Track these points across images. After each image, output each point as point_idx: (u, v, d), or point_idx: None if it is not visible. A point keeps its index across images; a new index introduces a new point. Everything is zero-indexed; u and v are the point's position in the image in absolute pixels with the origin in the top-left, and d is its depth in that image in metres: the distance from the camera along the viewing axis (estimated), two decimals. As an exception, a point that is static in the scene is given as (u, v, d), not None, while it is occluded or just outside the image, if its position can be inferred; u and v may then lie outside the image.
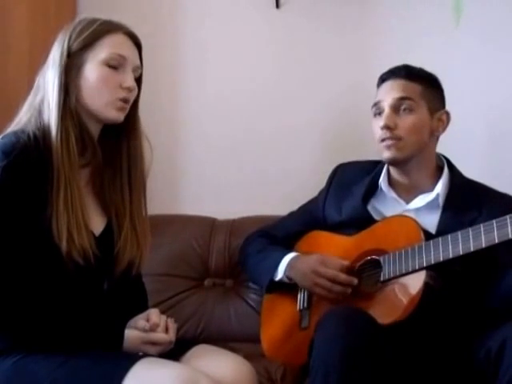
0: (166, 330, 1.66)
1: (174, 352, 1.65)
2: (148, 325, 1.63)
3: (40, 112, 1.60)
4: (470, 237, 1.73)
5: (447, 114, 2.00)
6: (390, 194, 2.01)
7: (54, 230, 1.54)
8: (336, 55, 2.51)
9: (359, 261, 1.93)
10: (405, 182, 1.99)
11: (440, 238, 1.79)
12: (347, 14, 2.49)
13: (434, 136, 1.99)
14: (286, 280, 2.01)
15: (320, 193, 2.18)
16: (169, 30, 2.57)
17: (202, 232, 2.39)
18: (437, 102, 1.99)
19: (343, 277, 1.89)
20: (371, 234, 1.95)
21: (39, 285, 1.56)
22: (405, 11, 2.44)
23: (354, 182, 2.08)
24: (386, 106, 1.95)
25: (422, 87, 1.96)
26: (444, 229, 1.85)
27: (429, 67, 2.01)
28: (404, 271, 1.82)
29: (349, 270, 1.91)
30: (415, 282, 1.79)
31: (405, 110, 1.94)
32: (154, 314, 1.68)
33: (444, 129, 2.00)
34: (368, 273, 1.91)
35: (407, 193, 1.99)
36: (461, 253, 1.74)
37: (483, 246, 1.71)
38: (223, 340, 2.17)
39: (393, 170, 2.01)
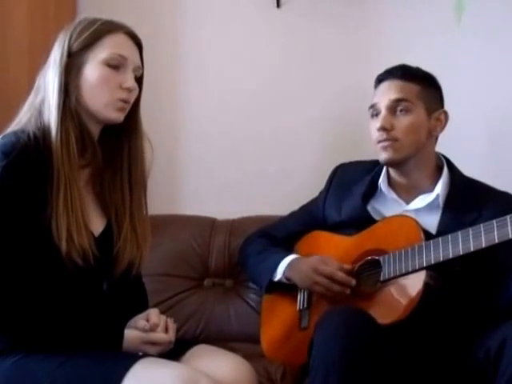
0: (166, 330, 1.66)
1: (174, 352, 1.65)
2: (148, 325, 1.63)
3: (40, 112, 1.60)
4: (470, 237, 1.73)
5: (445, 113, 2.00)
6: (390, 194, 2.01)
7: (54, 230, 1.54)
8: (336, 55, 2.51)
9: (359, 261, 1.93)
10: (404, 182, 1.99)
11: (440, 238, 1.78)
12: (348, 14, 2.49)
13: (432, 136, 1.98)
14: (284, 281, 2.01)
15: (320, 193, 2.18)
16: (169, 29, 2.57)
17: (202, 232, 2.39)
18: (434, 101, 1.98)
19: (341, 275, 1.89)
20: (371, 234, 1.95)
21: (39, 284, 1.56)
22: (405, 11, 2.44)
23: (354, 182, 2.08)
24: (383, 107, 1.94)
25: (419, 87, 1.95)
26: (444, 229, 1.85)
27: (429, 67, 2.00)
28: (404, 271, 1.82)
29: (348, 272, 1.91)
30: (415, 282, 1.79)
31: (401, 110, 1.93)
32: (153, 313, 1.68)
33: (442, 128, 2.00)
34: (368, 273, 1.91)
35: (407, 193, 1.99)
36: (461, 253, 1.74)
37: (483, 245, 1.71)
38: (223, 340, 2.17)
39: (392, 171, 2.01)
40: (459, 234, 1.76)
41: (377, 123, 1.94)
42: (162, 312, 1.74)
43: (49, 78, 1.61)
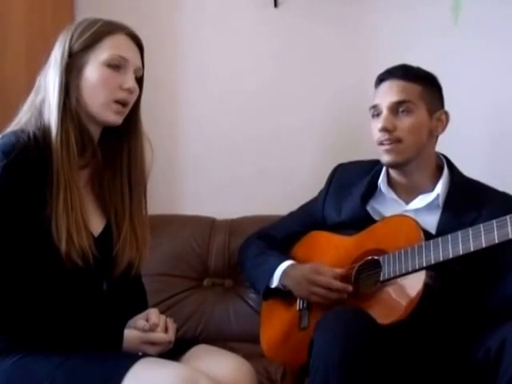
0: (166, 330, 1.66)
1: (174, 352, 1.65)
2: (147, 325, 1.63)
3: (40, 112, 1.60)
4: (470, 237, 1.73)
5: (446, 113, 1.99)
6: (390, 194, 2.00)
7: (54, 230, 1.54)
8: (335, 54, 2.51)
9: (359, 261, 1.93)
10: (404, 182, 1.98)
11: (440, 238, 1.78)
12: (346, 13, 2.48)
13: (433, 136, 1.98)
14: (281, 287, 2.01)
15: (320, 193, 2.17)
16: (167, 30, 2.57)
17: (202, 232, 2.39)
18: (436, 102, 1.98)
19: (337, 284, 1.89)
20: (371, 233, 1.95)
21: (38, 284, 1.56)
22: (405, 10, 2.44)
23: (353, 182, 2.08)
24: (384, 107, 1.93)
25: (421, 88, 1.94)
26: (444, 229, 1.85)
27: (428, 67, 2.00)
28: (404, 271, 1.81)
29: (343, 278, 1.91)
30: (415, 283, 1.79)
31: (403, 111, 1.92)
32: (153, 313, 1.68)
33: (443, 129, 1.99)
34: (368, 273, 1.91)
35: (407, 193, 1.98)
36: (461, 253, 1.74)
37: (483, 245, 1.71)
38: (223, 340, 2.17)
39: (393, 171, 2.00)
40: (459, 234, 1.76)
41: (378, 124, 1.93)
42: (162, 312, 1.74)
43: (49, 78, 1.61)
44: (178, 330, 1.75)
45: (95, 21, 1.63)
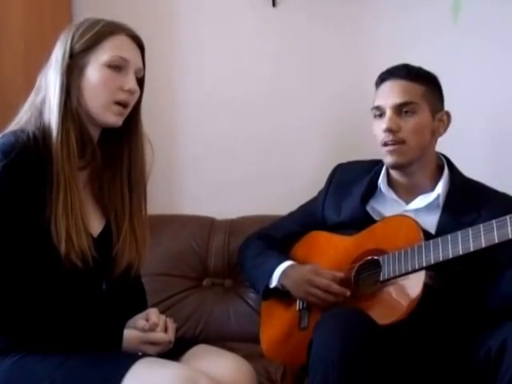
0: (166, 330, 1.66)
1: (174, 352, 1.65)
2: (147, 324, 1.62)
3: (41, 112, 1.59)
4: (470, 237, 1.73)
5: (448, 114, 1.99)
6: (390, 194, 2.00)
7: (53, 231, 1.53)
8: (334, 54, 2.50)
9: (359, 261, 1.93)
10: (405, 183, 1.98)
11: (440, 238, 1.78)
12: (345, 12, 2.48)
13: (435, 137, 1.98)
14: (280, 288, 2.01)
15: (319, 193, 2.17)
16: (165, 30, 2.56)
17: (201, 232, 2.38)
18: (438, 102, 1.98)
19: (336, 287, 1.89)
20: (371, 233, 1.95)
21: (38, 284, 1.55)
22: (404, 9, 2.43)
23: (353, 182, 2.08)
24: (388, 108, 1.92)
25: (424, 88, 1.94)
26: (444, 229, 1.85)
27: (428, 67, 2.00)
28: (403, 271, 1.81)
29: (342, 281, 1.91)
30: (415, 283, 1.79)
31: (407, 112, 1.92)
32: (153, 313, 1.68)
33: (445, 130, 1.99)
34: (367, 273, 1.91)
35: (407, 193, 1.98)
36: (460, 253, 1.74)
37: (483, 245, 1.71)
38: (222, 340, 2.17)
39: (394, 172, 2.00)
40: (459, 234, 1.76)
41: (382, 124, 1.92)
42: (161, 312, 1.73)
43: (50, 78, 1.60)
44: (177, 330, 1.75)
45: (97, 21, 1.62)
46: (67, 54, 1.59)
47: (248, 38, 2.55)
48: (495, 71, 2.39)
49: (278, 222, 2.22)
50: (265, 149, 2.55)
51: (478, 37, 2.39)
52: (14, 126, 1.60)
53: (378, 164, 2.06)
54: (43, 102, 1.60)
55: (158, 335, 1.63)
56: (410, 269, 1.80)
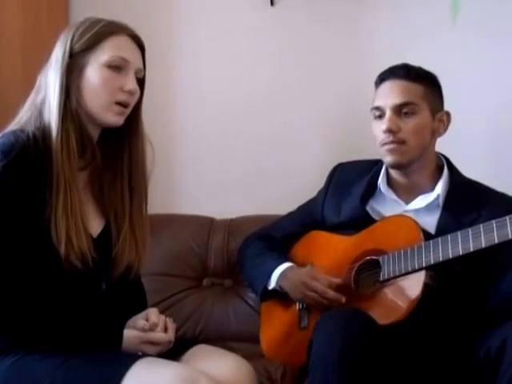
0: (165, 330, 1.66)
1: (173, 352, 1.65)
2: (147, 324, 1.62)
3: (40, 112, 1.59)
4: (470, 237, 1.73)
5: (448, 114, 1.99)
6: (390, 195, 2.00)
7: (53, 232, 1.53)
8: (333, 53, 2.50)
9: (358, 261, 1.93)
10: (405, 183, 1.98)
11: (439, 238, 1.78)
12: (343, 12, 2.48)
13: (435, 137, 1.98)
14: (278, 289, 2.02)
15: (319, 193, 2.17)
16: (163, 30, 2.56)
17: (200, 232, 2.38)
18: (437, 102, 1.98)
19: (331, 294, 1.90)
20: (370, 234, 1.95)
21: (37, 285, 1.55)
22: (403, 9, 2.43)
23: (353, 182, 2.07)
24: (388, 108, 1.92)
25: (423, 88, 1.93)
26: (443, 229, 1.84)
27: (427, 66, 2.00)
28: (403, 271, 1.81)
29: (338, 287, 1.91)
30: (415, 283, 1.79)
31: (406, 113, 1.91)
32: (153, 313, 1.68)
33: (445, 130, 1.99)
34: (367, 273, 1.91)
35: (407, 193, 1.98)
36: (460, 253, 1.74)
37: (483, 246, 1.71)
38: (222, 340, 2.17)
39: (394, 172, 2.00)
40: (459, 234, 1.76)
41: (382, 125, 1.92)
42: (161, 312, 1.74)
43: (50, 78, 1.60)
44: (177, 330, 1.75)
45: (97, 21, 1.62)
46: (67, 54, 1.59)
47: (246, 38, 2.55)
48: (495, 71, 2.39)
49: (278, 222, 2.22)
50: (264, 148, 2.55)
51: (478, 36, 2.39)
52: (14, 125, 1.60)
53: (377, 164, 2.06)
54: (43, 102, 1.59)
55: (158, 335, 1.63)
56: (409, 269, 1.80)
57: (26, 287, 1.53)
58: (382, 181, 2.01)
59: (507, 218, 1.69)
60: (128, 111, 1.64)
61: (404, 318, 1.75)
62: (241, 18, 2.55)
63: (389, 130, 1.90)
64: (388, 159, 1.94)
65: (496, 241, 1.69)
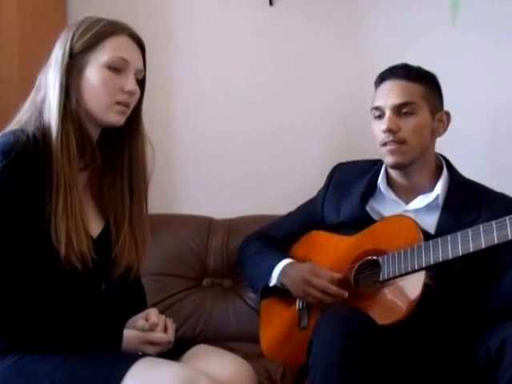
0: (165, 330, 1.65)
1: (173, 352, 1.64)
2: (147, 324, 1.62)
3: (40, 112, 1.58)
4: (470, 237, 1.73)
5: (447, 114, 1.99)
6: (389, 195, 2.00)
7: (53, 233, 1.53)
8: (332, 53, 2.50)
9: (358, 261, 1.93)
10: (404, 183, 1.98)
11: (439, 239, 1.78)
12: (342, 12, 2.47)
13: (434, 137, 1.98)
14: (279, 286, 2.01)
15: (318, 193, 2.17)
16: (161, 30, 2.56)
17: (200, 232, 2.38)
18: (437, 102, 1.98)
19: (334, 289, 1.89)
20: (370, 234, 1.95)
21: (37, 285, 1.55)
22: (402, 9, 2.43)
23: (352, 182, 2.08)
24: (387, 108, 1.92)
25: (423, 88, 1.94)
26: (443, 229, 1.85)
27: (427, 66, 2.00)
28: (403, 272, 1.81)
29: (340, 282, 1.91)
30: (414, 283, 1.79)
31: (406, 113, 1.92)
32: (152, 313, 1.68)
33: (445, 130, 1.99)
34: (367, 273, 1.91)
35: (406, 194, 1.98)
36: (460, 253, 1.74)
37: (483, 246, 1.71)
38: (222, 340, 2.17)
39: (393, 172, 2.00)
40: (458, 234, 1.76)
41: (382, 125, 1.93)
42: (161, 312, 1.73)
43: (50, 78, 1.59)
44: (177, 330, 1.74)
45: (97, 20, 1.61)
46: (67, 54, 1.58)
47: (246, 38, 2.55)
48: (494, 71, 2.39)
49: (277, 222, 2.22)
50: (263, 149, 2.55)
51: (477, 37, 2.39)
52: (14, 125, 1.60)
53: (377, 164, 2.06)
54: (43, 102, 1.59)
55: (158, 335, 1.63)
56: (409, 269, 1.80)
57: (25, 287, 1.53)
58: (381, 181, 2.01)
59: (507, 218, 1.69)
60: (129, 111, 1.64)
61: (404, 319, 1.75)
62: (240, 17, 2.54)
63: (388, 130, 1.90)
64: (389, 160, 1.94)
65: (496, 241, 1.69)
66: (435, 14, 2.36)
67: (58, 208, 1.53)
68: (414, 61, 2.00)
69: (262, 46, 2.54)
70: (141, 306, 1.75)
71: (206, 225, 2.40)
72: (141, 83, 1.67)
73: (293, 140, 2.53)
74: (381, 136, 1.93)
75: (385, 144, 1.92)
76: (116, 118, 1.61)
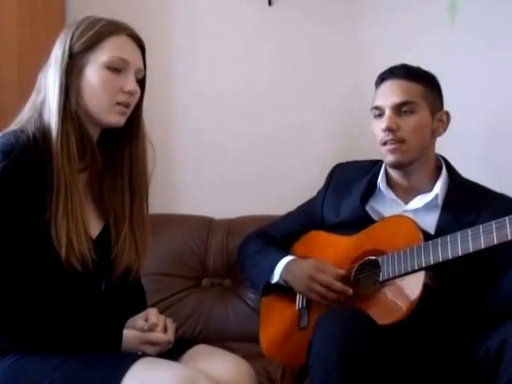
0: (165, 330, 1.65)
1: (173, 352, 1.64)
2: (147, 324, 1.62)
3: (40, 113, 1.58)
4: (469, 238, 1.73)
5: (447, 114, 2.00)
6: (389, 194, 2.00)
7: (53, 234, 1.53)
8: (331, 53, 2.50)
9: (358, 261, 1.93)
10: (404, 183, 1.98)
11: (439, 239, 1.78)
12: (341, 12, 2.48)
13: (434, 137, 1.98)
14: (282, 283, 2.01)
15: (318, 193, 2.17)
16: (160, 30, 2.55)
17: (200, 232, 2.38)
18: (437, 102, 1.98)
19: (338, 285, 1.89)
20: (370, 234, 1.95)
21: (37, 285, 1.55)
22: (401, 9, 2.43)
23: (352, 182, 2.08)
24: (387, 107, 1.93)
25: (423, 88, 1.94)
26: (443, 229, 1.85)
27: (426, 66, 2.00)
28: (403, 272, 1.81)
29: (344, 279, 1.91)
30: (414, 283, 1.79)
31: (406, 112, 1.92)
32: (152, 313, 1.68)
33: (445, 129, 2.00)
34: (367, 273, 1.91)
35: (406, 193, 1.98)
36: (460, 254, 1.74)
37: (482, 246, 1.71)
38: (222, 340, 2.17)
39: (393, 172, 2.00)
40: (458, 234, 1.76)
41: (381, 124, 1.93)
42: (161, 312, 1.73)
43: (49, 78, 1.59)
44: (176, 330, 1.74)
45: (97, 20, 1.61)
46: (66, 54, 1.58)
47: (245, 38, 2.55)
48: (492, 71, 2.39)
49: (277, 222, 2.22)
50: (263, 149, 2.55)
51: (476, 37, 2.39)
52: (15, 124, 1.59)
53: (376, 164, 2.06)
54: (43, 103, 1.59)
55: (158, 335, 1.63)
56: (409, 269, 1.80)
57: (25, 288, 1.53)
58: (381, 181, 2.01)
59: (506, 218, 1.69)
60: (129, 111, 1.63)
61: (404, 319, 1.75)
62: (239, 17, 2.54)
63: (388, 129, 1.91)
64: (389, 159, 1.94)
65: (495, 242, 1.69)
66: (434, 15, 2.37)
67: (59, 210, 1.53)
68: (413, 61, 2.00)
69: (262, 46, 2.54)
70: (141, 307, 1.75)
71: (206, 225, 2.40)
72: (141, 83, 1.66)
73: (293, 140, 2.53)
74: (380, 135, 1.93)
75: (385, 143, 1.93)
76: (116, 119, 1.61)
